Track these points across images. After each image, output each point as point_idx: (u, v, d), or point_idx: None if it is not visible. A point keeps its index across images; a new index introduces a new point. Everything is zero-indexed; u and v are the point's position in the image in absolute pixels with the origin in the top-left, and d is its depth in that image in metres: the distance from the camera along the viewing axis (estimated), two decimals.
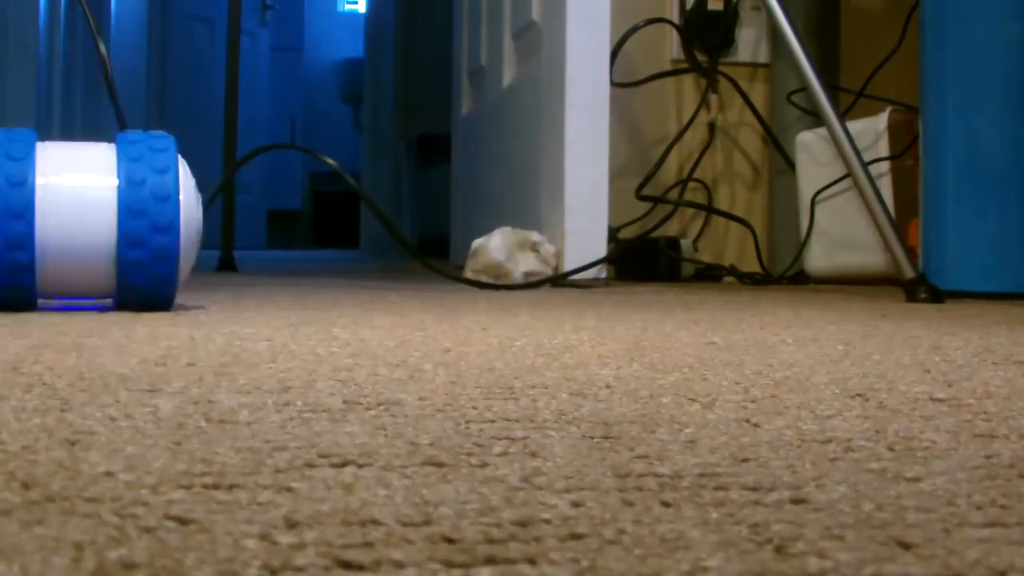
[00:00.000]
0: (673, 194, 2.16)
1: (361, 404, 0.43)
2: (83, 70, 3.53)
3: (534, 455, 0.33)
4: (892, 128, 1.79)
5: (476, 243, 1.63)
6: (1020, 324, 0.94)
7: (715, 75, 2.15)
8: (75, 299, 0.93)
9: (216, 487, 0.28)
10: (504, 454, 0.33)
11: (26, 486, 0.28)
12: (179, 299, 1.11)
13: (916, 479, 0.31)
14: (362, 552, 0.23)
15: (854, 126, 1.70)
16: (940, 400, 0.47)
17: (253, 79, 5.23)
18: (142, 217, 0.86)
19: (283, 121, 5.98)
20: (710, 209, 2.17)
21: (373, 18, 4.83)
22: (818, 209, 1.92)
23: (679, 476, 0.31)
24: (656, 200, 2.09)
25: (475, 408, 0.42)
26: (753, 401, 0.46)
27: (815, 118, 1.89)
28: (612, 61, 1.86)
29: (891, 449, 0.36)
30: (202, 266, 2.11)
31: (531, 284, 1.54)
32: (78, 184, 0.87)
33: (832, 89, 1.83)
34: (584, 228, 1.66)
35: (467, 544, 0.24)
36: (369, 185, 4.39)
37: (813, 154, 1.93)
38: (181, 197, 0.88)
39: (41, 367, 0.52)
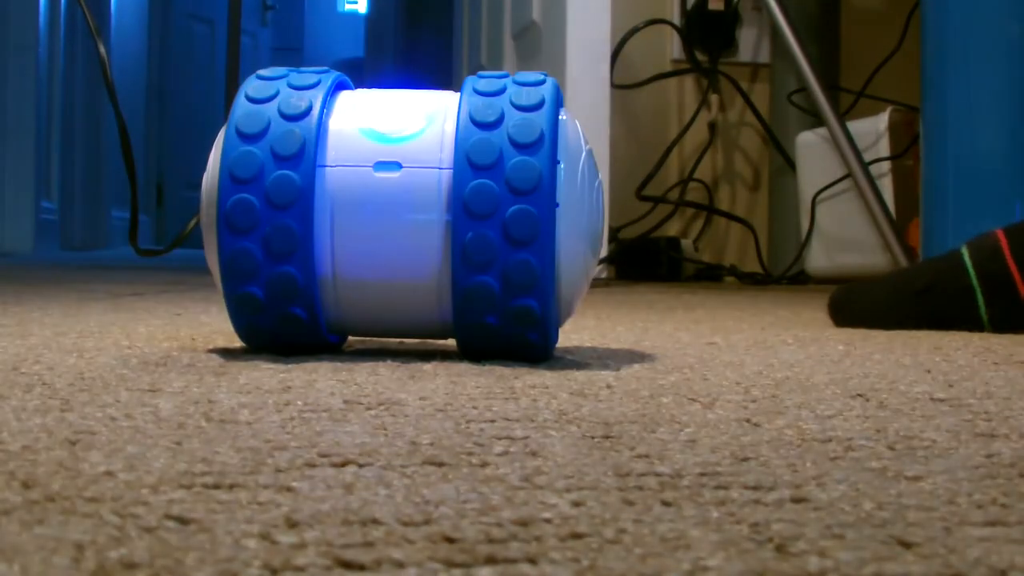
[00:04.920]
0: (674, 194, 2.16)
1: (361, 404, 0.43)
2: (83, 70, 3.53)
3: (534, 455, 0.33)
4: (892, 128, 1.79)
5: None
6: None
7: (716, 75, 2.15)
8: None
9: (216, 487, 0.28)
10: (504, 454, 0.33)
11: (26, 486, 0.28)
12: (180, 300, 1.11)
13: (917, 478, 0.31)
14: (362, 552, 0.23)
15: (854, 126, 1.70)
16: (941, 400, 0.47)
17: None
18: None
19: None
20: (711, 209, 2.17)
21: (373, 18, 4.84)
22: (819, 209, 1.92)
23: (679, 475, 0.31)
24: (657, 200, 2.09)
25: (475, 408, 0.42)
26: (754, 401, 0.46)
27: (815, 118, 1.89)
28: (613, 62, 1.86)
29: (892, 448, 0.36)
30: (201, 265, 2.12)
31: None
32: None
33: (832, 89, 1.83)
34: None
35: (467, 543, 0.24)
36: None
37: (813, 154, 1.93)
38: None
39: (41, 367, 0.52)
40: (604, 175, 1.68)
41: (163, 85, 4.79)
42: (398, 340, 0.70)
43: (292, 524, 0.25)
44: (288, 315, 0.56)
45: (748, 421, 0.41)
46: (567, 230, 0.56)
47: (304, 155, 0.55)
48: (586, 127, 0.64)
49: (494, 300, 0.54)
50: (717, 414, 0.42)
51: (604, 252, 1.68)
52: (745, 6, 2.17)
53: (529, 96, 0.56)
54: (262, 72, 0.59)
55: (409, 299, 0.57)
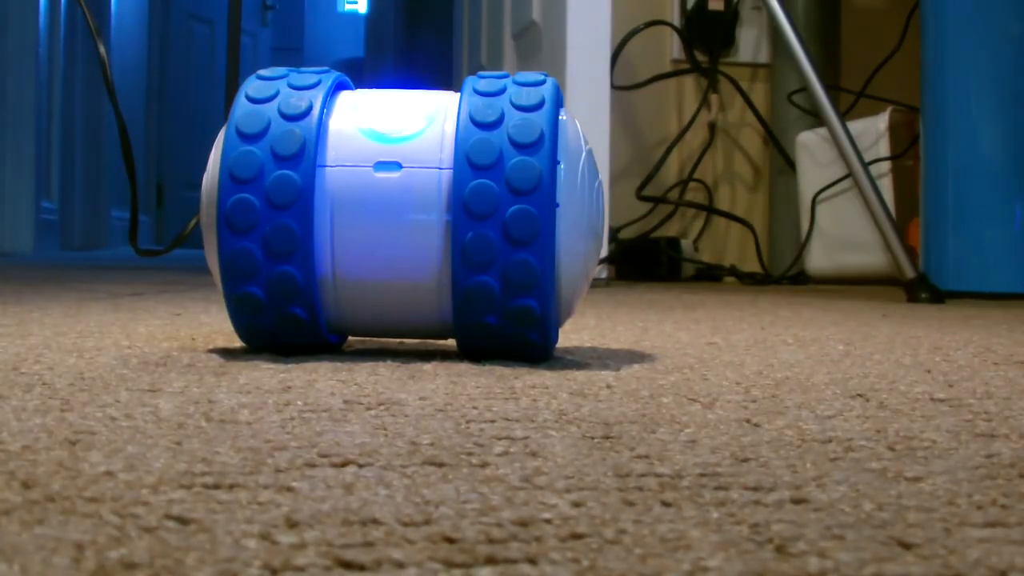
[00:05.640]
0: (674, 194, 2.16)
1: (361, 404, 0.43)
2: (83, 70, 3.53)
3: (534, 455, 0.33)
4: (892, 128, 1.79)
5: None
6: (1020, 324, 0.94)
7: (715, 75, 2.15)
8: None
9: (216, 487, 0.28)
10: (504, 454, 0.33)
11: (26, 486, 0.28)
12: (180, 300, 1.11)
13: (917, 479, 0.31)
14: (362, 552, 0.23)
15: (854, 126, 1.70)
16: (941, 400, 0.47)
17: None
18: None
19: None
20: (711, 209, 2.17)
21: (373, 18, 4.84)
22: (819, 209, 1.92)
23: (679, 476, 0.31)
24: (657, 200, 2.09)
25: (475, 408, 0.42)
26: (754, 401, 0.46)
27: (815, 118, 1.89)
28: (613, 64, 1.86)
29: (892, 449, 0.36)
30: (201, 265, 2.11)
31: None
32: None
33: (832, 89, 1.83)
34: None
35: (467, 544, 0.24)
36: None
37: (813, 154, 1.93)
38: None
39: (41, 367, 0.52)
40: (604, 175, 1.68)
41: (163, 85, 4.79)
42: (398, 340, 0.70)
43: (292, 524, 0.25)
44: (288, 315, 0.56)
45: (748, 421, 0.41)
46: (567, 230, 0.56)
47: (304, 155, 0.55)
48: (586, 127, 0.64)
49: (494, 300, 0.54)
50: (717, 414, 0.42)
51: (604, 252, 1.68)
52: (745, 6, 2.17)
53: (529, 96, 0.56)
54: (262, 72, 0.59)
55: (409, 299, 0.57)
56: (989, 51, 1.46)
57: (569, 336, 0.75)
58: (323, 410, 0.41)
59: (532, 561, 0.23)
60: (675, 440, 0.36)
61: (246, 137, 0.55)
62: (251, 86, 0.58)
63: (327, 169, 0.55)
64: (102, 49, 1.30)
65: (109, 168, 3.75)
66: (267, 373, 0.51)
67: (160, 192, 4.75)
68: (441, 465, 0.32)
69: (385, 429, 0.37)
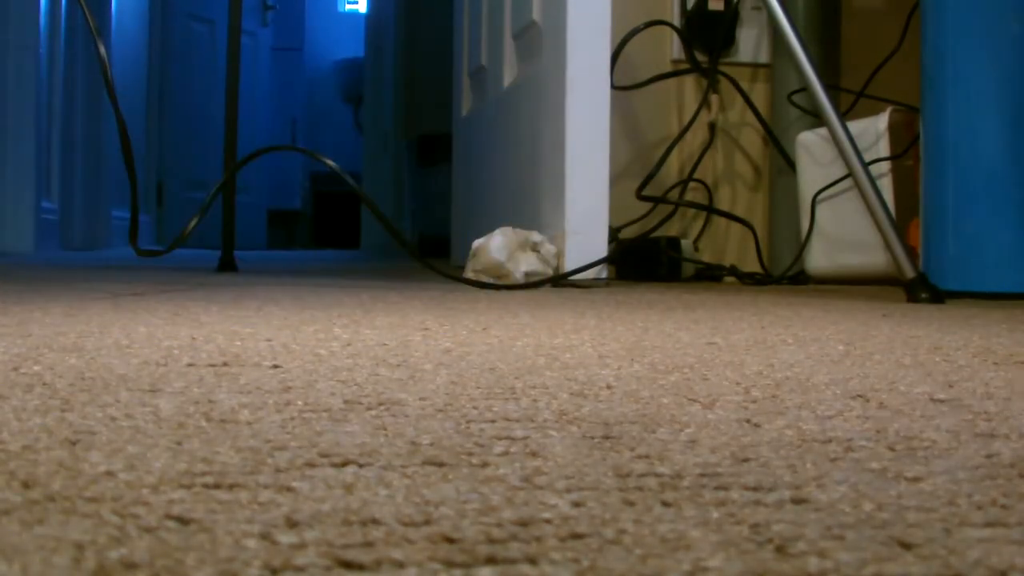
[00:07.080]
0: (674, 194, 2.16)
1: (362, 404, 0.43)
2: (83, 70, 3.53)
3: (535, 455, 0.33)
4: (892, 128, 1.79)
5: (477, 243, 1.63)
6: (1020, 324, 0.94)
7: (716, 75, 2.15)
8: None
9: (217, 487, 0.28)
10: (505, 454, 0.33)
11: (27, 486, 0.28)
12: (180, 300, 1.11)
13: (917, 479, 0.31)
14: (363, 552, 0.23)
15: (854, 126, 1.70)
16: (941, 400, 0.47)
17: (253, 79, 5.23)
18: None
19: (283, 121, 5.99)
20: (711, 209, 2.17)
21: (373, 18, 4.84)
22: (819, 209, 1.92)
23: (680, 476, 0.31)
24: (657, 200, 2.09)
25: (476, 408, 0.42)
26: (754, 401, 0.46)
27: (815, 118, 1.89)
28: (613, 64, 1.86)
29: (892, 449, 0.36)
30: (203, 266, 2.11)
31: (532, 284, 1.54)
32: None
33: (832, 89, 1.83)
34: (585, 228, 1.66)
35: (468, 544, 0.24)
36: (369, 185, 4.39)
37: (814, 154, 1.93)
38: None
39: (41, 367, 0.52)
40: (604, 175, 1.68)
41: (163, 85, 4.79)
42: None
43: (292, 524, 0.25)
44: None
45: (748, 421, 0.41)
46: None
47: None
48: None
49: None
50: (717, 414, 0.42)
51: (604, 252, 1.68)
52: (745, 6, 2.16)
53: None
54: None
55: None
56: (989, 51, 1.46)
57: (569, 336, 0.75)
58: (323, 410, 0.41)
59: (532, 561, 0.23)
60: (675, 440, 0.36)
61: None
62: None
63: None
64: (102, 49, 1.30)
65: (109, 168, 3.74)
66: (267, 373, 0.51)
67: (160, 192, 4.74)
68: (441, 465, 0.32)
69: (385, 429, 0.37)
